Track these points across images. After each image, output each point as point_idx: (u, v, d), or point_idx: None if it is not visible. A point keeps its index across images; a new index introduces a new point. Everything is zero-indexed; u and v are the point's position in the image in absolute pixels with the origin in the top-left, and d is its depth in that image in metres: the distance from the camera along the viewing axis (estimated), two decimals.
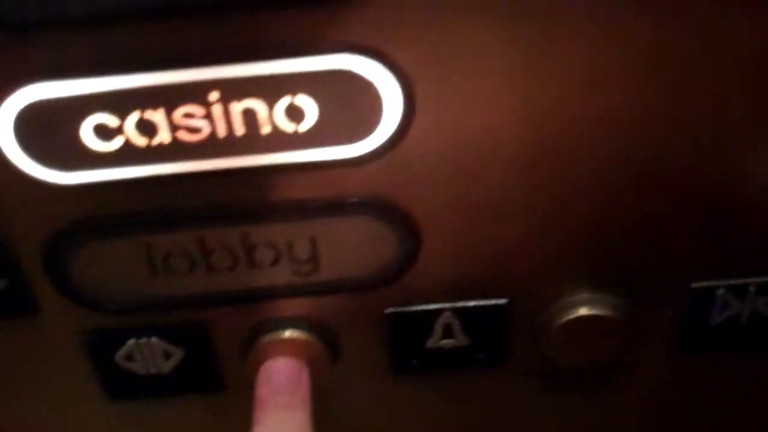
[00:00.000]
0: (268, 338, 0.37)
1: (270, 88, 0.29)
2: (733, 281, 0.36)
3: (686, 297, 0.37)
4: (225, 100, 0.30)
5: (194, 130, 0.30)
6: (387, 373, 0.39)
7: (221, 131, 0.30)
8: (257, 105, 0.30)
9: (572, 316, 0.36)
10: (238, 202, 0.33)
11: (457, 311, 0.36)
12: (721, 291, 0.36)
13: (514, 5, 0.28)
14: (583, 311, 0.36)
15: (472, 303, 0.36)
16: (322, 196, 0.33)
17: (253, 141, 0.31)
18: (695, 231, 0.34)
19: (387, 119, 0.30)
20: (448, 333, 0.37)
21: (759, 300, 0.37)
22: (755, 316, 0.37)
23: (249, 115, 0.30)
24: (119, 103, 0.29)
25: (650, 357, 0.39)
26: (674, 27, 0.29)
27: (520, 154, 0.32)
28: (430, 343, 0.37)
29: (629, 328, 0.37)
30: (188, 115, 0.30)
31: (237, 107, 0.30)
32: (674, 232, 0.34)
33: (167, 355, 0.37)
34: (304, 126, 0.30)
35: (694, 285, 0.36)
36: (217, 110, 0.30)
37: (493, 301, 0.36)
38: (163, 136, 0.30)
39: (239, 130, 0.30)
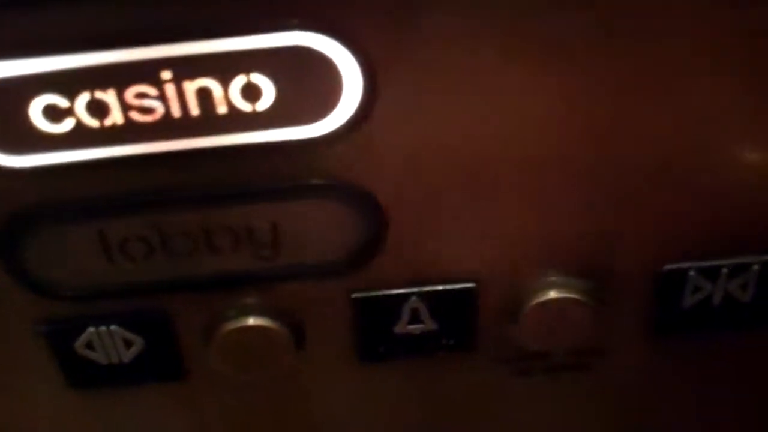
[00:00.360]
0: (230, 325, 0.36)
1: (224, 67, 0.28)
2: (704, 263, 0.36)
3: (658, 279, 0.36)
4: (178, 79, 0.29)
5: (148, 111, 0.29)
6: (354, 359, 0.38)
7: (176, 111, 0.29)
8: (212, 84, 0.29)
9: (541, 299, 0.36)
10: (195, 185, 0.32)
11: (424, 295, 0.36)
12: (692, 273, 0.36)
13: None
14: (553, 294, 0.36)
15: (439, 287, 0.36)
16: (283, 179, 0.32)
17: (209, 121, 0.30)
18: (665, 213, 0.34)
19: (347, 99, 0.30)
20: (415, 318, 0.36)
21: (731, 282, 0.36)
22: (728, 298, 0.36)
23: (204, 95, 0.29)
24: (68, 83, 0.28)
25: (622, 340, 0.38)
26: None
27: (487, 136, 0.31)
28: (398, 329, 0.37)
29: (599, 311, 0.36)
30: (141, 95, 0.29)
31: (191, 86, 0.29)
32: (643, 214, 0.34)
33: (128, 344, 0.36)
34: (262, 105, 0.29)
35: (666, 267, 0.35)
36: (170, 90, 0.29)
37: (460, 285, 0.36)
38: (116, 117, 0.29)
39: (194, 110, 0.29)
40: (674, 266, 0.36)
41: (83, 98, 0.29)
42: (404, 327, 0.36)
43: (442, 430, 0.42)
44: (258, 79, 0.29)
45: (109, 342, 0.36)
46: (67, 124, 0.29)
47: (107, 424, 0.40)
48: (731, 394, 0.41)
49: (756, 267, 0.36)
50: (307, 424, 0.41)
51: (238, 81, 0.29)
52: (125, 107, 0.29)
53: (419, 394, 0.41)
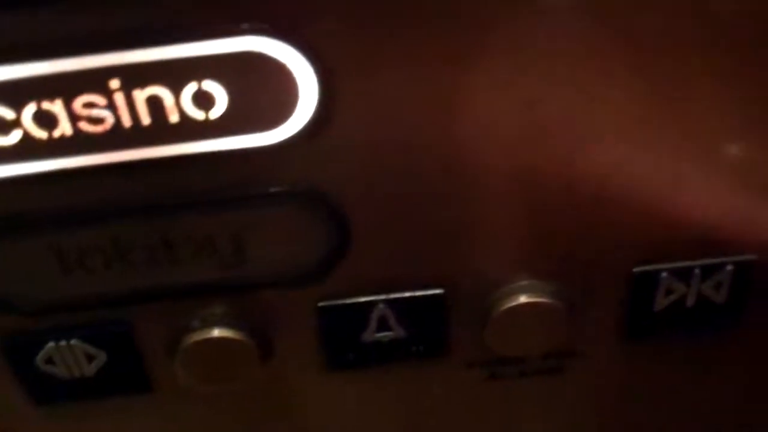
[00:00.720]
0: (195, 337, 0.35)
1: (174, 74, 0.28)
2: (677, 264, 0.35)
3: (629, 281, 0.35)
4: (127, 88, 0.28)
5: (97, 121, 0.28)
6: (323, 368, 0.37)
7: (126, 121, 0.28)
8: (162, 92, 0.28)
9: (512, 304, 0.35)
10: (151, 196, 0.31)
11: (391, 303, 0.35)
12: (664, 275, 0.35)
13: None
14: (523, 299, 0.35)
15: (407, 294, 0.35)
16: (242, 187, 0.31)
17: (162, 130, 0.29)
18: (634, 215, 0.33)
19: (303, 104, 0.29)
20: (383, 325, 0.35)
21: (705, 283, 0.35)
22: (702, 300, 0.36)
23: (154, 103, 0.28)
24: (13, 93, 0.27)
25: (596, 343, 0.38)
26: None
27: (448, 145, 0.30)
28: (366, 337, 0.36)
29: (571, 315, 0.35)
30: (89, 105, 0.28)
31: (140, 95, 0.28)
32: (613, 216, 0.33)
33: (90, 358, 0.35)
34: (215, 113, 0.29)
35: (636, 269, 0.35)
36: (119, 99, 0.28)
37: (428, 292, 0.35)
38: (65, 128, 0.28)
39: (145, 119, 0.29)
40: (645, 268, 0.35)
41: (30, 109, 0.28)
42: (372, 335, 0.36)
43: None
44: (210, 86, 0.28)
45: (70, 356, 0.35)
46: (14, 136, 0.28)
47: None
48: (707, 395, 0.40)
49: (730, 267, 0.35)
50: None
51: (190, 88, 0.28)
52: (74, 117, 0.28)
53: (393, 401, 0.40)
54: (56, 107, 0.28)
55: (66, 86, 0.28)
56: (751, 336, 0.38)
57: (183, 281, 0.33)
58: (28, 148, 0.29)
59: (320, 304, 0.35)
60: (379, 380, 0.39)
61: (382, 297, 0.35)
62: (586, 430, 0.42)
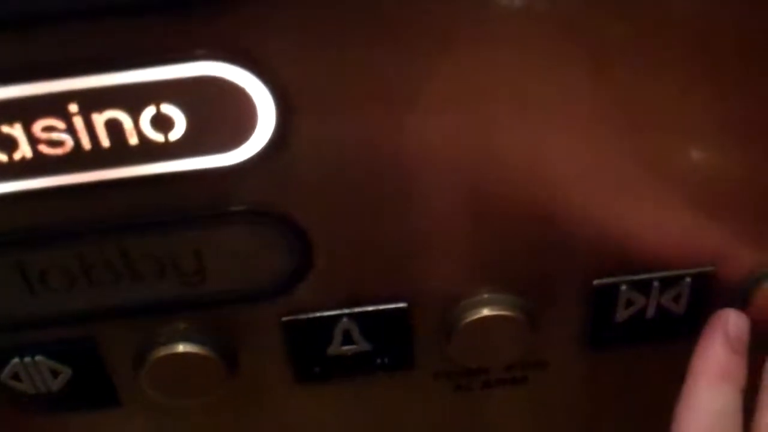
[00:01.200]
0: (160, 352, 0.35)
1: (132, 98, 0.28)
2: (636, 277, 0.35)
3: (590, 294, 0.36)
4: (85, 112, 0.28)
5: (57, 144, 0.29)
6: (291, 381, 0.38)
7: (86, 144, 0.29)
8: (120, 115, 0.28)
9: (475, 317, 0.36)
10: (113, 216, 0.31)
11: (355, 317, 0.35)
12: (624, 287, 0.35)
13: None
14: (486, 312, 0.36)
15: (370, 308, 0.35)
16: (202, 207, 0.31)
17: (121, 152, 0.29)
18: (593, 230, 0.34)
19: (262, 126, 0.29)
20: (348, 339, 0.36)
21: (664, 294, 0.36)
22: (662, 311, 0.36)
23: (113, 126, 0.28)
24: None
25: (559, 354, 0.38)
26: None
27: (406, 165, 0.31)
28: (331, 350, 0.36)
29: (533, 327, 0.36)
30: (49, 128, 0.28)
31: (99, 118, 0.28)
32: (572, 231, 0.33)
33: (55, 374, 0.36)
34: (174, 135, 0.29)
35: (597, 282, 0.35)
36: (78, 122, 0.28)
37: (392, 305, 0.35)
38: (25, 151, 0.29)
39: (105, 141, 0.29)
40: (606, 281, 0.35)
41: None
42: (338, 348, 0.36)
43: None
44: (168, 109, 0.28)
45: (35, 372, 0.35)
46: None
47: None
48: (671, 403, 0.41)
49: (688, 279, 0.35)
50: None
51: (148, 112, 0.28)
52: (33, 141, 0.28)
53: (362, 413, 0.40)
54: (16, 131, 0.28)
55: (25, 110, 0.28)
56: None
57: (146, 298, 0.34)
58: None
59: (284, 319, 0.35)
60: (347, 393, 0.39)
61: (346, 311, 0.35)
62: None
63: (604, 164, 0.32)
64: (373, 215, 0.32)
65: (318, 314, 0.35)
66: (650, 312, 0.36)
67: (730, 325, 0.35)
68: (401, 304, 0.35)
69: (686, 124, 0.31)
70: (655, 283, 0.35)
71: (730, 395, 0.34)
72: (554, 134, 0.31)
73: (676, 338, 0.38)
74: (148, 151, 0.29)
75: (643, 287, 0.36)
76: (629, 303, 0.36)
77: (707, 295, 0.36)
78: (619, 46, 0.29)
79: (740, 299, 0.36)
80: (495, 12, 0.28)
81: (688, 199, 0.33)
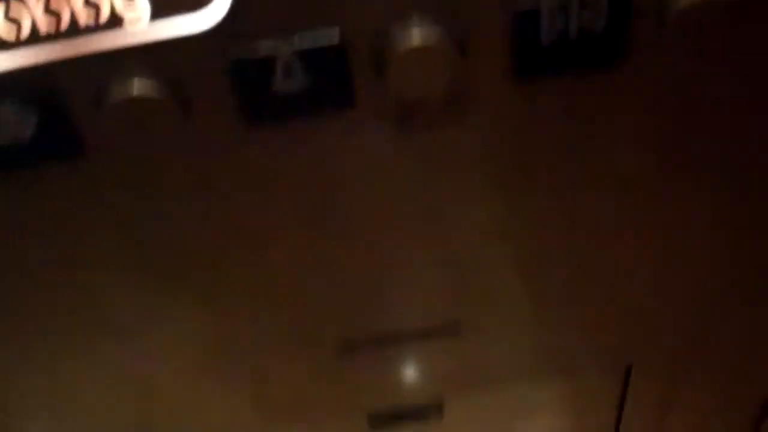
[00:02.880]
0: (116, 97, 0.38)
1: None
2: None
3: (514, 20, 0.38)
4: None
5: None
6: (241, 131, 0.41)
7: None
8: None
9: (407, 47, 0.38)
10: None
11: (293, 50, 0.38)
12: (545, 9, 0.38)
13: None
14: (417, 41, 0.38)
15: (307, 42, 0.38)
16: None
17: None
18: None
19: None
20: (288, 72, 0.38)
21: (583, 13, 0.38)
22: (583, 32, 0.39)
23: None
24: None
25: (489, 88, 0.41)
26: None
27: None
28: (276, 86, 0.39)
29: (460, 56, 0.38)
30: None
31: None
32: None
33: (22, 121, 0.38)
34: None
35: (520, 7, 0.38)
36: None
37: (326, 39, 0.38)
38: None
39: None
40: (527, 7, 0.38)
41: None
42: (281, 84, 0.39)
43: (327, 210, 0.45)
44: None
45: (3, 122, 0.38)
46: None
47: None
48: (601, 144, 0.44)
49: None
50: (199, 193, 0.43)
51: None
52: None
53: (305, 161, 0.43)
54: None
55: None
56: (636, 81, 0.41)
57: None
58: None
59: (231, 56, 0.38)
60: (294, 142, 0.42)
61: (284, 42, 0.38)
62: (488, 181, 0.45)
63: None
64: None
65: (260, 47, 0.38)
66: (572, 33, 0.39)
67: None
68: (335, 37, 0.38)
69: None
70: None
71: None
72: None
73: (598, 63, 0.40)
74: None
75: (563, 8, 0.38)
76: (551, 27, 0.39)
77: (626, 10, 0.38)
78: None
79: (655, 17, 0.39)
80: None
81: None
